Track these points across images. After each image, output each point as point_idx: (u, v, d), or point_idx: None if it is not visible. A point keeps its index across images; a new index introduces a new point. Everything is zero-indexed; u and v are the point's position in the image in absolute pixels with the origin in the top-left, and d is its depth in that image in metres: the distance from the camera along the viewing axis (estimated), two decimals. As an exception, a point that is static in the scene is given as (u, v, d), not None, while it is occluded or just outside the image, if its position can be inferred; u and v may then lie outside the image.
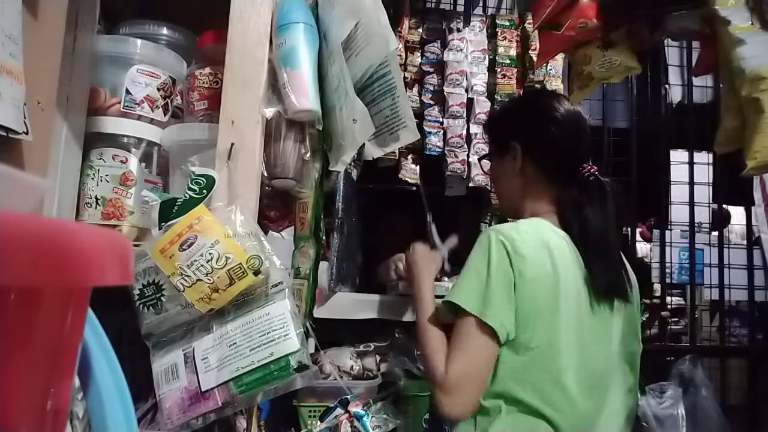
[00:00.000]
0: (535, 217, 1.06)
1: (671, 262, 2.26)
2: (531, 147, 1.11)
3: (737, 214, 2.46)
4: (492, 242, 0.99)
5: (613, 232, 1.06)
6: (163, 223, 0.83)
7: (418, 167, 2.04)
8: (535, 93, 1.81)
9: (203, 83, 0.97)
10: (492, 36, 2.12)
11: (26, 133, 0.69)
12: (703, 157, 2.29)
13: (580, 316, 0.98)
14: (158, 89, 0.98)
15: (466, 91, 2.02)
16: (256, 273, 0.79)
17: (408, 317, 1.73)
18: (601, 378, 1.01)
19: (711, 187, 2.30)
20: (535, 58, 1.88)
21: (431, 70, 2.08)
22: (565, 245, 1.01)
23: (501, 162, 1.17)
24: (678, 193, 2.30)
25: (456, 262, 1.41)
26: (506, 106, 1.23)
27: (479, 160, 1.84)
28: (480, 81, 2.03)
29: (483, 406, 0.97)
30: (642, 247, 2.51)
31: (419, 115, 2.01)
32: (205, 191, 0.83)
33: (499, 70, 2.07)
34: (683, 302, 2.70)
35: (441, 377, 0.96)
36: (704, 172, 2.29)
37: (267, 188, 0.93)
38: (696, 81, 2.33)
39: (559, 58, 2.04)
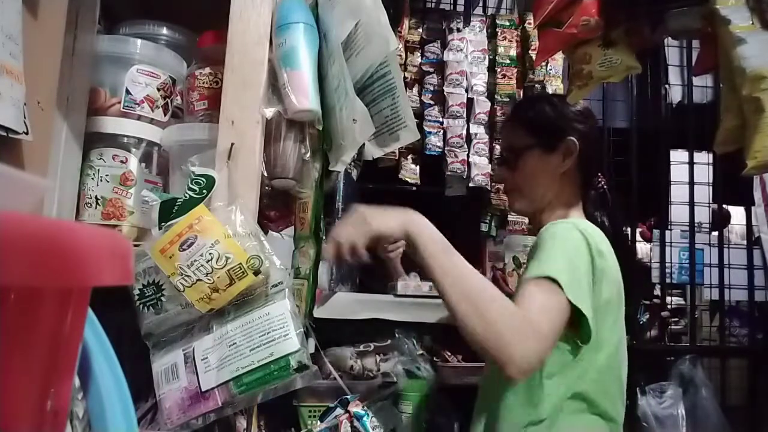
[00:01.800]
0: (575, 218, 1.06)
1: (671, 262, 2.26)
2: (586, 148, 1.09)
3: (737, 214, 2.46)
4: (576, 234, 0.94)
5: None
6: (163, 223, 0.83)
7: (418, 167, 2.04)
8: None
9: (203, 83, 0.97)
10: (492, 36, 2.12)
11: (26, 133, 0.69)
12: (703, 157, 2.29)
13: (623, 317, 1.00)
14: (158, 89, 0.98)
15: (466, 91, 2.02)
16: (256, 273, 0.79)
17: (408, 317, 1.74)
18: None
19: (711, 187, 2.30)
20: (534, 58, 1.88)
21: (431, 70, 2.08)
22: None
23: (546, 157, 1.11)
24: (678, 193, 2.30)
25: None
26: (553, 101, 1.17)
27: (491, 151, 1.82)
28: (480, 81, 2.03)
29: (545, 417, 0.93)
30: (642, 247, 2.51)
31: (419, 115, 2.01)
32: (205, 191, 0.83)
33: (499, 70, 2.07)
34: (683, 302, 2.70)
35: (526, 319, 0.83)
36: (704, 172, 2.29)
37: (267, 188, 0.93)
38: (696, 81, 2.33)
39: (559, 57, 2.04)
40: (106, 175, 0.93)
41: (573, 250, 0.92)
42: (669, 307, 2.52)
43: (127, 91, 0.95)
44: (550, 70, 2.11)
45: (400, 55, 2.06)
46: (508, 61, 2.08)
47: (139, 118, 0.96)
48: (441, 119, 2.05)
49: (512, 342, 0.81)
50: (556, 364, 0.93)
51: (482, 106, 2.03)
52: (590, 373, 0.94)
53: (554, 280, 0.86)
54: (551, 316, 0.85)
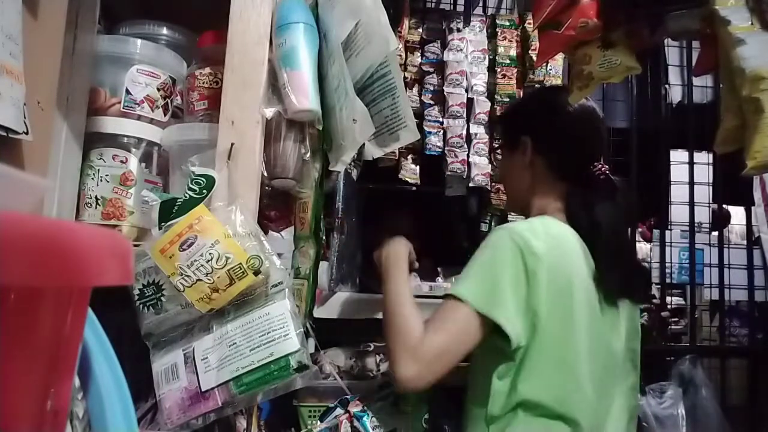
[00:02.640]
0: (544, 215, 1.06)
1: (671, 262, 2.26)
2: (540, 141, 1.11)
3: (737, 214, 2.46)
4: (505, 241, 0.96)
5: (624, 231, 1.07)
6: (163, 223, 0.83)
7: (418, 167, 2.04)
8: (549, 89, 1.80)
9: (203, 83, 0.97)
10: (492, 36, 2.12)
11: (26, 133, 0.69)
12: (703, 157, 2.29)
13: (591, 314, 0.98)
14: (158, 89, 0.98)
15: (466, 91, 2.02)
16: (256, 273, 0.79)
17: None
18: (610, 376, 1.01)
19: (711, 187, 2.30)
20: (535, 58, 1.88)
21: (431, 70, 2.08)
22: (576, 242, 1.01)
23: (511, 156, 1.17)
24: (678, 193, 2.29)
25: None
26: (519, 100, 1.22)
27: (491, 151, 1.84)
28: (480, 81, 2.03)
29: (497, 416, 0.95)
30: (642, 247, 2.51)
31: (419, 115, 2.00)
32: (205, 191, 0.83)
33: (499, 70, 2.07)
34: (683, 302, 2.70)
35: (417, 341, 0.92)
36: (704, 172, 2.29)
37: (267, 188, 0.93)
38: (696, 81, 2.33)
39: (559, 58, 2.04)
40: (106, 175, 0.93)
41: (491, 260, 0.96)
42: (669, 307, 2.52)
43: (127, 91, 0.96)
44: (550, 70, 2.11)
45: (400, 55, 2.05)
46: (508, 61, 2.08)
47: (139, 118, 0.96)
48: (441, 119, 2.04)
49: (396, 360, 0.93)
50: (503, 367, 0.96)
51: (482, 106, 2.03)
52: (537, 374, 0.94)
53: (457, 297, 0.94)
54: (446, 335, 0.92)
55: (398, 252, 1.12)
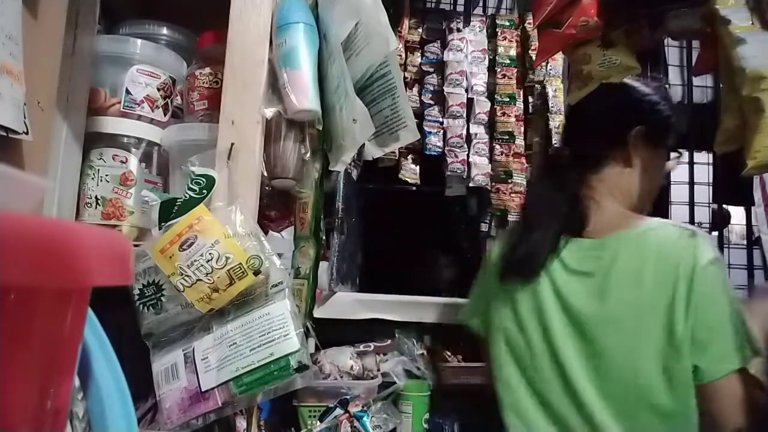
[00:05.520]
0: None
1: (671, 262, 2.25)
2: (654, 128, 1.05)
3: (737, 214, 2.46)
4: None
5: None
6: (163, 223, 0.83)
7: (418, 167, 2.04)
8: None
9: (203, 83, 0.97)
10: (492, 36, 2.12)
11: (26, 133, 0.69)
12: (703, 157, 2.29)
13: None
14: (158, 89, 0.98)
15: (466, 91, 2.02)
16: (256, 273, 0.79)
17: (408, 317, 1.73)
18: None
19: (711, 187, 2.30)
20: (535, 58, 1.88)
21: (431, 70, 2.08)
22: None
23: (658, 151, 1.06)
24: (678, 193, 2.29)
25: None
26: (599, 98, 1.10)
27: (515, 155, 1.75)
28: (480, 81, 2.03)
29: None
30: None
31: (419, 115, 2.00)
32: (205, 191, 0.83)
33: (499, 70, 2.07)
34: (683, 302, 2.70)
35: None
36: (704, 172, 2.29)
37: (267, 188, 0.93)
38: (696, 81, 2.33)
39: (559, 57, 2.04)
40: (106, 175, 0.93)
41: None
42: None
43: (127, 91, 0.95)
44: (550, 70, 2.11)
45: (400, 55, 2.05)
46: (508, 61, 2.08)
47: (139, 118, 0.96)
48: (441, 119, 2.04)
49: None
50: None
51: (482, 106, 2.03)
52: (493, 367, 1.04)
53: None
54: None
55: None
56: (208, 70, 0.97)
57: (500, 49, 2.09)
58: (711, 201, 2.30)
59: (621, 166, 1.02)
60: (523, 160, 2.10)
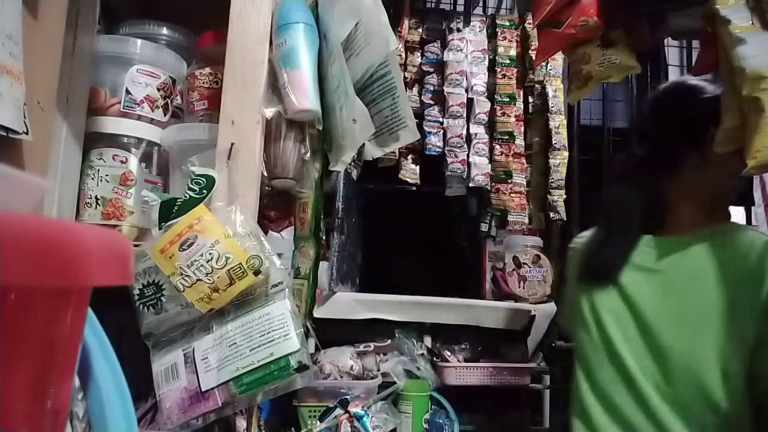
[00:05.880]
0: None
1: (671, 262, 2.25)
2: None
3: (737, 214, 2.46)
4: None
5: None
6: (163, 223, 0.83)
7: (418, 167, 2.04)
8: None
9: (203, 83, 0.97)
10: (492, 36, 2.12)
11: (26, 133, 0.69)
12: (703, 157, 2.28)
13: None
14: (158, 89, 0.98)
15: (466, 91, 2.02)
16: (256, 273, 0.79)
17: (408, 317, 1.74)
18: None
19: (711, 187, 2.29)
20: (535, 58, 1.88)
21: (431, 70, 2.08)
22: None
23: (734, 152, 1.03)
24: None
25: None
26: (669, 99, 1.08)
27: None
28: (480, 81, 2.03)
29: None
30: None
31: (419, 115, 2.01)
32: (205, 191, 0.83)
33: (499, 70, 2.07)
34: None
35: None
36: (704, 172, 2.29)
37: (267, 188, 0.93)
38: (696, 81, 2.32)
39: (559, 57, 2.04)
40: (106, 175, 0.93)
41: None
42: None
43: (127, 91, 0.95)
44: (550, 70, 2.11)
45: (400, 55, 2.05)
46: (508, 61, 2.08)
47: (139, 118, 0.96)
48: (441, 119, 2.04)
49: None
50: None
51: (482, 106, 2.03)
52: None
53: None
54: None
55: None
56: (208, 70, 0.97)
57: (500, 49, 2.09)
58: (711, 201, 2.29)
59: (697, 166, 1.00)
60: (523, 160, 2.10)
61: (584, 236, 1.10)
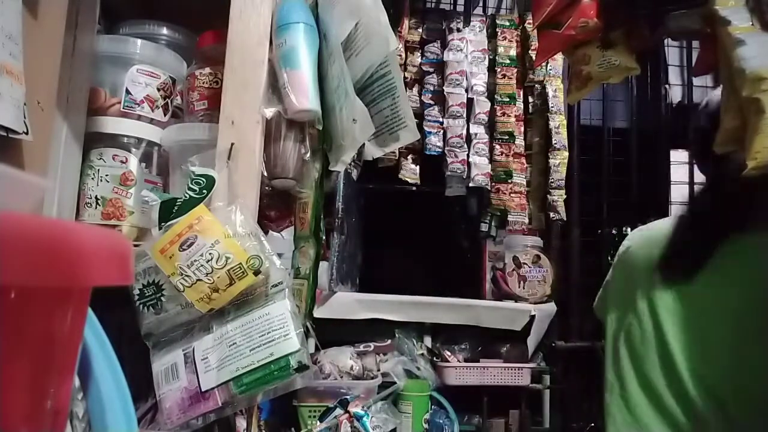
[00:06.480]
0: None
1: (671, 262, 2.25)
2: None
3: (737, 214, 2.46)
4: None
5: None
6: (163, 223, 0.83)
7: (418, 167, 2.04)
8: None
9: (203, 83, 0.97)
10: (492, 36, 2.12)
11: (26, 133, 0.69)
12: (703, 157, 2.28)
13: None
14: (158, 89, 0.98)
15: (466, 91, 2.02)
16: (256, 273, 0.79)
17: (408, 317, 1.74)
18: None
19: (711, 187, 2.29)
20: (534, 59, 1.88)
21: (431, 70, 2.08)
22: None
23: None
24: (678, 193, 2.29)
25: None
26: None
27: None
28: (480, 81, 2.03)
29: None
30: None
31: (419, 115, 2.01)
32: (205, 191, 0.83)
33: (499, 70, 2.07)
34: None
35: None
36: (704, 173, 2.29)
37: (267, 188, 0.93)
38: (696, 81, 2.33)
39: (559, 58, 2.04)
40: (106, 175, 0.93)
41: None
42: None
43: (127, 91, 0.96)
44: (550, 70, 2.12)
45: (400, 55, 2.05)
46: (508, 61, 2.08)
47: (139, 118, 0.96)
48: (441, 119, 2.04)
49: None
50: None
51: (482, 106, 2.03)
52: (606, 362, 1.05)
53: None
54: None
55: None
56: (208, 70, 0.97)
57: (500, 49, 2.09)
58: (711, 201, 2.29)
59: None
60: (523, 160, 2.10)
61: (645, 229, 1.08)
